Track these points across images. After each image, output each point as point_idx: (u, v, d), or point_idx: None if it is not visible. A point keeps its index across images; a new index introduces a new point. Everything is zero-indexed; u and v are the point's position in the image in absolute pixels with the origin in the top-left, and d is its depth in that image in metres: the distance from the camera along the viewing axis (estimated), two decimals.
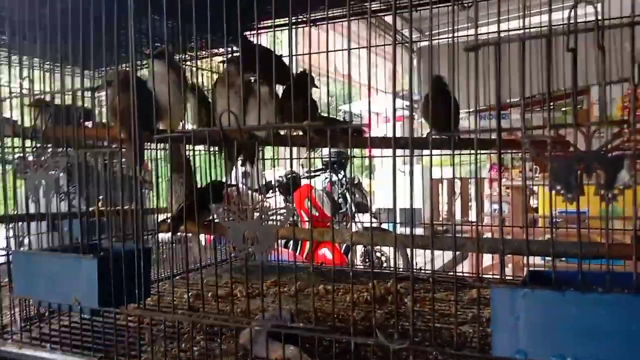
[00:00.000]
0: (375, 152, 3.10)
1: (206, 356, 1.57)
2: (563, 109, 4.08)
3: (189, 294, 2.18)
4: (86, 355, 1.61)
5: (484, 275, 2.90)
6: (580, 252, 1.07)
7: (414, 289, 1.25)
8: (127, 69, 2.12)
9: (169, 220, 2.07)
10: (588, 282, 1.06)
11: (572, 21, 1.05)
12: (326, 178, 5.64)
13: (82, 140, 1.61)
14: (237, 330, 1.58)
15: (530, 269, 1.22)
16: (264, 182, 4.64)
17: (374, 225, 5.39)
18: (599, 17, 0.99)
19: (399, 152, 1.28)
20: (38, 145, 1.80)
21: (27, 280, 1.72)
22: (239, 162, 2.29)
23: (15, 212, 1.87)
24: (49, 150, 1.65)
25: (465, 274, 2.64)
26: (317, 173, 5.36)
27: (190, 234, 2.22)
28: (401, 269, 3.40)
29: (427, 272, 2.30)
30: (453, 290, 2.18)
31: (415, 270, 1.38)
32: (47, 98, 1.87)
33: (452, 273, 2.78)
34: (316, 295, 2.19)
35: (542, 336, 1.04)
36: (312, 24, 2.48)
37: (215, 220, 2.05)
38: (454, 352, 1.18)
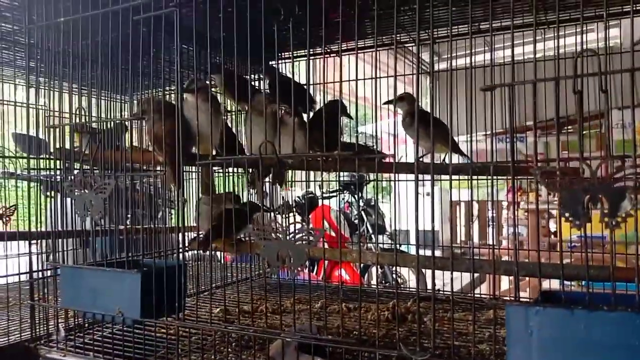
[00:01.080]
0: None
1: None
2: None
3: (217, 309, 2.31)
4: None
5: (498, 296, 2.97)
6: (587, 274, 1.16)
7: (434, 307, 1.36)
8: (160, 97, 2.29)
9: (199, 237, 2.20)
10: (595, 301, 1.16)
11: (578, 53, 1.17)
12: (343, 199, 5.75)
13: (129, 164, 1.76)
14: (264, 343, 1.69)
15: (544, 289, 1.32)
16: (283, 203, 4.76)
17: (390, 246, 5.48)
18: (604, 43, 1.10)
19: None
20: (85, 168, 1.96)
21: (73, 292, 1.86)
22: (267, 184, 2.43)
23: (51, 229, 2.02)
24: (99, 173, 1.79)
25: (482, 296, 2.72)
26: (334, 194, 5.46)
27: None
28: (421, 290, 3.47)
29: (445, 293, 2.39)
30: (470, 311, 2.28)
31: (435, 292, 1.48)
32: (93, 124, 2.04)
33: (472, 294, 2.86)
34: (339, 313, 2.29)
35: (553, 350, 1.14)
36: (341, 54, 2.64)
37: (245, 239, 2.20)
38: None
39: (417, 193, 1.38)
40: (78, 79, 1.94)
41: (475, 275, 2.23)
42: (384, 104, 1.98)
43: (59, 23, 1.82)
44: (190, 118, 1.90)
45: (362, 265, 4.91)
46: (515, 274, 1.28)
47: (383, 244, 5.35)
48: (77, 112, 1.88)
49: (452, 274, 1.44)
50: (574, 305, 1.14)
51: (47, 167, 2.21)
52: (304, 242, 1.46)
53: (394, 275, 5.29)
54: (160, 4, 1.66)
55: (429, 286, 2.94)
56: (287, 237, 1.46)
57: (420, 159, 1.75)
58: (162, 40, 1.67)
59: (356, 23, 1.58)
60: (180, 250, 1.92)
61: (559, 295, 1.22)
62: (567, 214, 1.13)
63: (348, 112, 1.99)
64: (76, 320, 1.97)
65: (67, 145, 2.02)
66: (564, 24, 2.10)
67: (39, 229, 2.13)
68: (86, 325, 2.07)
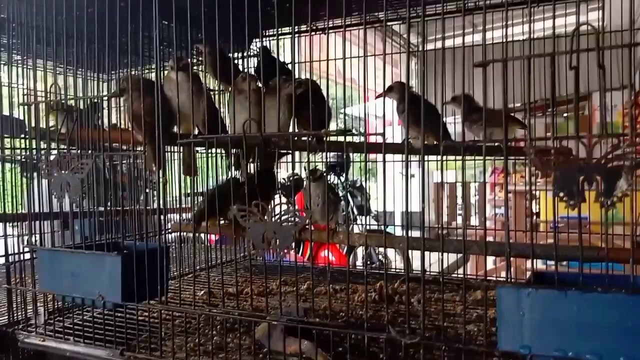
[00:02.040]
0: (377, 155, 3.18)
1: (223, 350, 1.65)
2: (565, 114, 4.16)
3: (202, 292, 2.27)
4: (109, 347, 1.69)
5: (487, 278, 2.97)
6: (582, 256, 1.14)
7: (424, 288, 1.33)
8: (138, 74, 2.21)
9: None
10: (588, 283, 1.14)
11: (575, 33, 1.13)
12: (329, 180, 5.72)
13: (108, 143, 1.69)
14: (250, 325, 1.66)
15: (537, 270, 1.30)
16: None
17: (375, 227, 5.49)
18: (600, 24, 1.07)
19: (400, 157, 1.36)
20: (61, 147, 1.88)
21: (51, 276, 1.80)
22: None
23: (30, 210, 1.95)
24: (75, 152, 1.72)
25: (468, 276, 2.72)
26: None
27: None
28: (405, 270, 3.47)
29: (432, 273, 2.37)
30: (458, 292, 2.27)
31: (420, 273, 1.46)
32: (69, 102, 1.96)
33: (458, 275, 2.86)
34: (325, 295, 2.27)
35: (545, 332, 1.12)
36: (328, 32, 2.58)
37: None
38: (463, 347, 1.26)
39: (407, 175, 1.34)
40: (53, 56, 1.85)
41: (459, 255, 2.22)
42: (376, 98, 1.94)
43: None
44: (171, 96, 1.83)
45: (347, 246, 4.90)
46: (507, 255, 1.26)
47: (369, 225, 5.36)
48: (53, 90, 1.79)
49: (441, 254, 1.41)
50: (567, 286, 1.12)
51: (26, 147, 2.12)
52: (290, 224, 1.42)
53: (380, 256, 5.31)
54: None
55: (414, 267, 2.95)
56: (273, 219, 1.41)
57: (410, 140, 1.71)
58: (140, 15, 1.59)
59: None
60: (162, 232, 1.87)
61: (551, 276, 1.19)
62: (561, 194, 1.10)
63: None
64: (55, 304, 1.91)
65: (43, 124, 1.94)
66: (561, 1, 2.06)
67: (17, 211, 2.06)
68: (66, 309, 2.02)
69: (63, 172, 1.72)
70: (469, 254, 2.50)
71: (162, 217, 1.93)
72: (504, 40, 1.25)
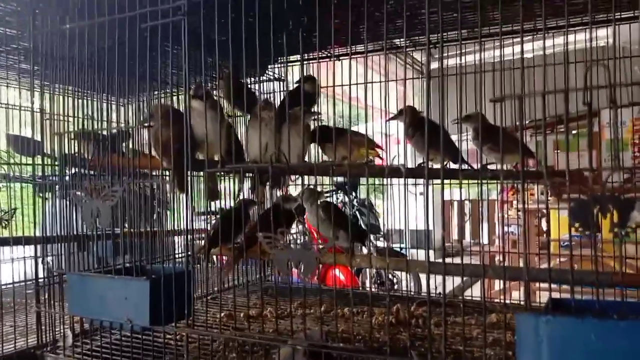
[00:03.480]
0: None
1: None
2: (574, 131, 4.20)
3: (222, 314, 2.32)
4: None
5: (493, 299, 3.01)
6: (597, 281, 1.19)
7: (445, 312, 1.38)
8: (167, 103, 2.30)
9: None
10: (605, 309, 1.18)
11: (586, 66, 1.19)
12: (338, 199, 5.77)
13: (136, 170, 1.77)
14: (269, 349, 1.70)
15: (552, 296, 1.34)
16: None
17: (384, 246, 5.51)
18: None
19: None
20: (92, 174, 1.96)
21: (80, 299, 1.86)
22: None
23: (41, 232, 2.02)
24: (106, 180, 1.79)
25: (473, 298, 2.74)
26: (328, 195, 5.47)
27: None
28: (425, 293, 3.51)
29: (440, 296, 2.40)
30: (473, 314, 2.30)
31: (435, 295, 1.51)
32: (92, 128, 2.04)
33: (472, 297, 2.88)
34: (341, 318, 2.31)
35: (564, 359, 1.16)
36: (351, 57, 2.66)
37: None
38: None
39: (427, 201, 1.40)
40: (76, 82, 1.93)
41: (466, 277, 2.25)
42: (387, 121, 2.01)
43: (65, 30, 1.82)
44: (195, 124, 1.90)
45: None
46: (525, 282, 1.31)
47: (377, 244, 5.38)
48: (85, 118, 1.88)
49: (462, 278, 1.46)
50: (583, 313, 1.16)
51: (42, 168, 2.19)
52: (313, 251, 1.47)
53: (389, 276, 5.32)
54: (166, 12, 1.66)
55: (425, 288, 2.97)
56: (297, 246, 1.47)
57: (423, 164, 1.77)
58: (170, 47, 1.68)
59: (365, 28, 1.60)
60: (185, 255, 1.92)
61: (568, 303, 1.24)
62: (577, 224, 1.16)
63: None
64: (82, 326, 1.96)
65: (68, 150, 2.01)
66: (573, 27, 2.13)
67: (38, 234, 2.12)
68: (93, 331, 2.07)
69: (94, 199, 1.79)
70: (489, 278, 2.53)
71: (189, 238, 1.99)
72: (522, 70, 1.31)
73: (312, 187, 2.19)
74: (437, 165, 1.73)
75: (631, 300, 1.34)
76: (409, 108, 2.07)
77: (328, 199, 5.50)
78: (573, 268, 1.28)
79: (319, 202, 2.16)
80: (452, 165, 1.94)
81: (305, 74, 2.22)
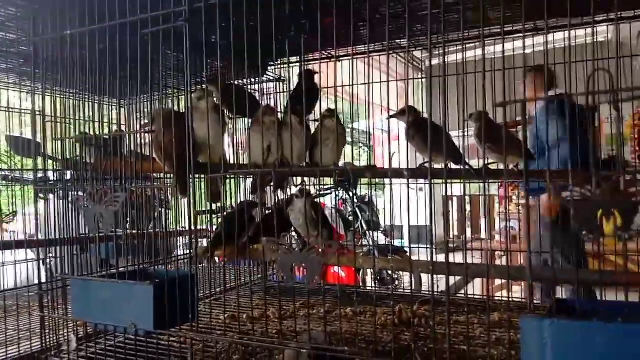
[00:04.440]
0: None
1: None
2: None
3: (225, 316, 2.33)
4: None
5: (495, 296, 3.01)
6: (601, 281, 1.20)
7: (449, 311, 1.38)
8: (168, 107, 2.30)
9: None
10: (610, 311, 1.19)
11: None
12: (337, 196, 5.77)
13: (140, 175, 1.77)
14: (272, 351, 1.71)
15: (557, 298, 1.35)
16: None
17: (384, 243, 5.53)
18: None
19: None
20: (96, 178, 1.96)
21: (84, 303, 1.86)
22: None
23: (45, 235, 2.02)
24: (109, 185, 1.79)
25: (475, 296, 2.75)
26: (328, 191, 5.48)
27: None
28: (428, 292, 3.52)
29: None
30: (476, 313, 2.31)
31: (437, 294, 1.51)
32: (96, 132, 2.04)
33: (475, 296, 2.89)
34: (344, 318, 2.32)
35: None
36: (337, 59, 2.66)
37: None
38: None
39: (432, 204, 1.40)
40: (75, 85, 1.93)
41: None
42: (387, 118, 2.01)
43: (65, 36, 1.81)
44: (197, 127, 1.90)
45: None
46: (528, 282, 1.31)
47: (377, 240, 5.39)
48: (87, 120, 1.88)
49: (466, 278, 1.46)
50: (588, 316, 1.17)
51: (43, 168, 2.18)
52: (317, 255, 1.48)
53: (389, 273, 5.33)
54: (168, 17, 1.66)
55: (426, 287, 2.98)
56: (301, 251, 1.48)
57: (425, 164, 1.77)
58: (171, 51, 1.68)
59: (367, 30, 1.60)
60: (188, 257, 1.93)
61: (572, 304, 1.25)
62: (581, 229, 1.16)
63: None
64: (86, 329, 1.97)
65: (69, 154, 2.01)
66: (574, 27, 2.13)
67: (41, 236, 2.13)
68: (95, 334, 2.07)
69: (97, 204, 1.79)
70: (492, 277, 2.53)
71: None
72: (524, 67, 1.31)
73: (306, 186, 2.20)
74: (437, 165, 1.74)
75: (634, 298, 1.34)
76: (410, 108, 2.07)
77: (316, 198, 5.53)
78: (577, 269, 1.29)
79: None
80: (453, 166, 1.95)
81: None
